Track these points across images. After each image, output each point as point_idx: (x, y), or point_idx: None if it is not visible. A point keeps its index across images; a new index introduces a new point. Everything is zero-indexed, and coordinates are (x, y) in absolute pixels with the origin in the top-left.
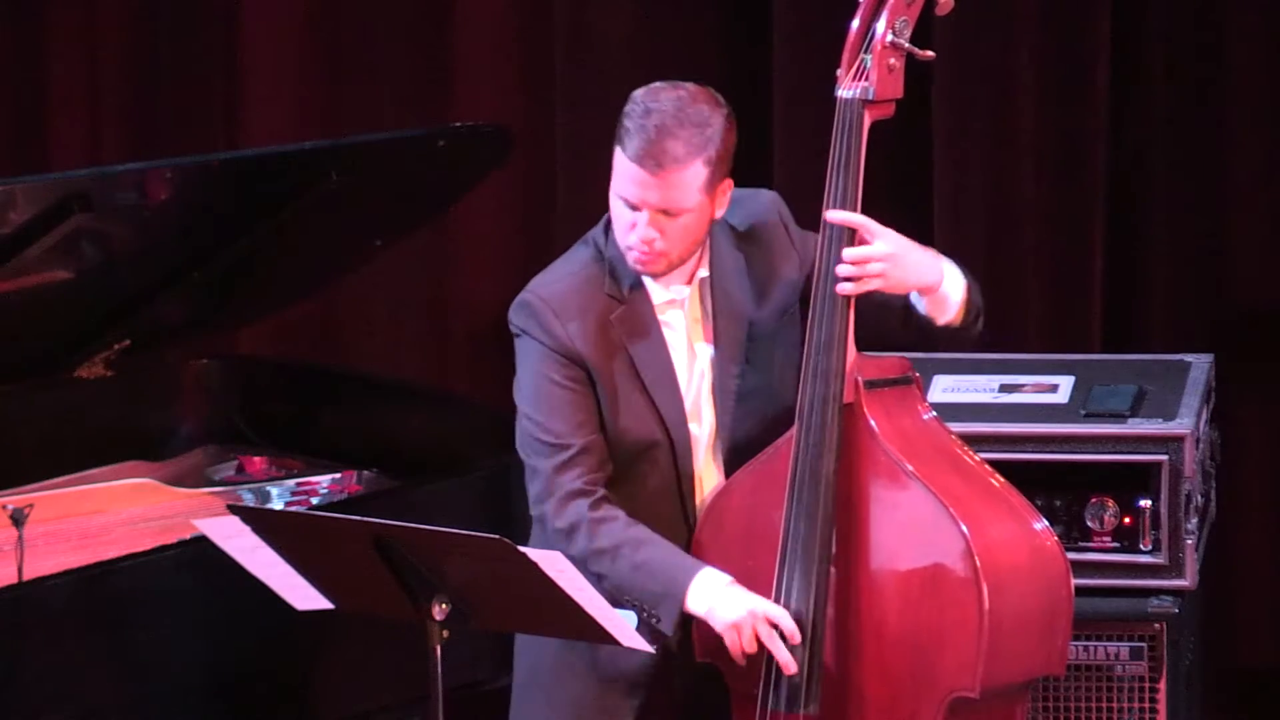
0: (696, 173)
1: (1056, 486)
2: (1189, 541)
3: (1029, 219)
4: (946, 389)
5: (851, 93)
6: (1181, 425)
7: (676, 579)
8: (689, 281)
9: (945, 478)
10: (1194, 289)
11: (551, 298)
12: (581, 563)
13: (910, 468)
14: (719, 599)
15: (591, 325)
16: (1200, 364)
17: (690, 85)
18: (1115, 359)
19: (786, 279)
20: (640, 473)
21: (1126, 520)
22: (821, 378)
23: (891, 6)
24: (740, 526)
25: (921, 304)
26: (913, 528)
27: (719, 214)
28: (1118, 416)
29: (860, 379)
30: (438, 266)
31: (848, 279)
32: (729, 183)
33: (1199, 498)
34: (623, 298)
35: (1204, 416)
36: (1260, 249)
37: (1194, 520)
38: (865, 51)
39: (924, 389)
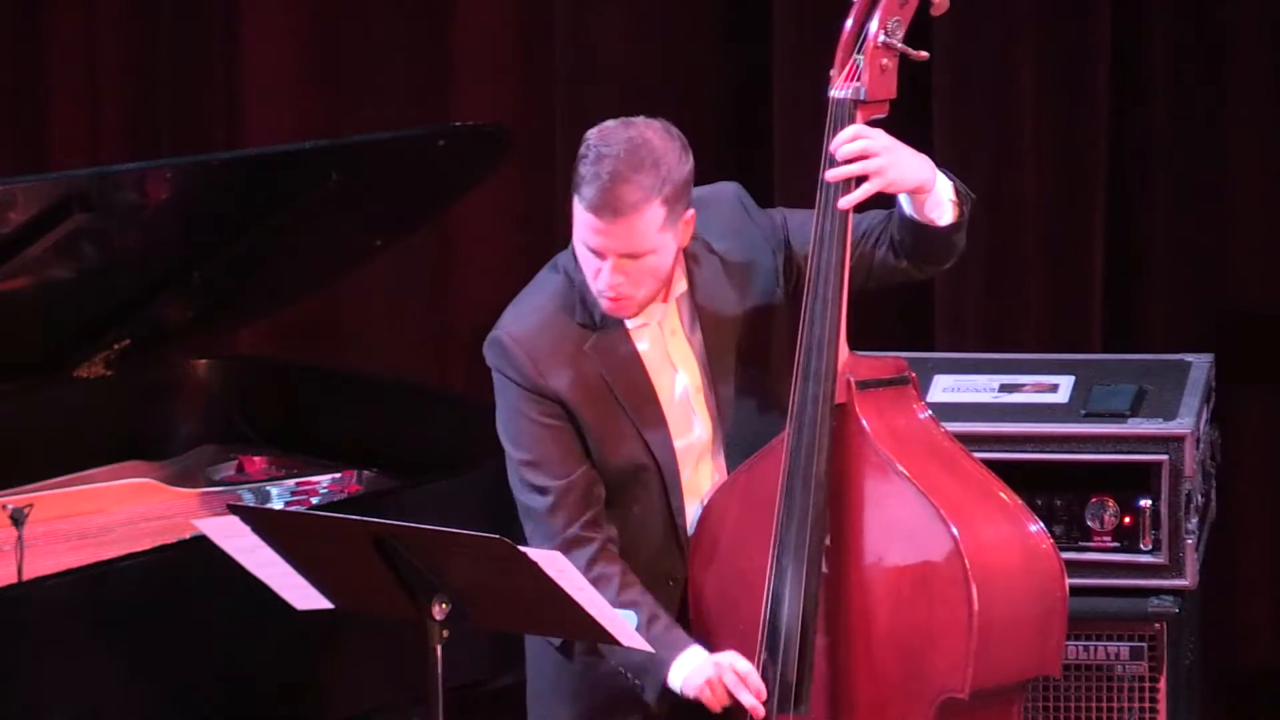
0: (654, 214)
1: (1056, 486)
2: (1189, 541)
3: (1029, 219)
4: (946, 389)
5: (844, 93)
6: (1181, 425)
7: (659, 654)
8: (665, 299)
9: (938, 478)
10: (1194, 289)
11: (523, 337)
12: None
13: (902, 468)
14: (691, 670)
15: (565, 360)
16: (1200, 364)
17: (640, 121)
18: (1115, 359)
19: (763, 266)
20: (631, 496)
21: (1126, 520)
22: (813, 378)
23: (884, 6)
24: (734, 527)
25: (918, 209)
26: (903, 528)
27: (683, 243)
28: (1118, 416)
29: (852, 379)
30: (438, 266)
31: (846, 166)
32: (691, 213)
33: (1199, 497)
34: (595, 325)
35: (1204, 416)
36: (1260, 249)
37: (1194, 520)
38: (858, 52)
39: (923, 389)
